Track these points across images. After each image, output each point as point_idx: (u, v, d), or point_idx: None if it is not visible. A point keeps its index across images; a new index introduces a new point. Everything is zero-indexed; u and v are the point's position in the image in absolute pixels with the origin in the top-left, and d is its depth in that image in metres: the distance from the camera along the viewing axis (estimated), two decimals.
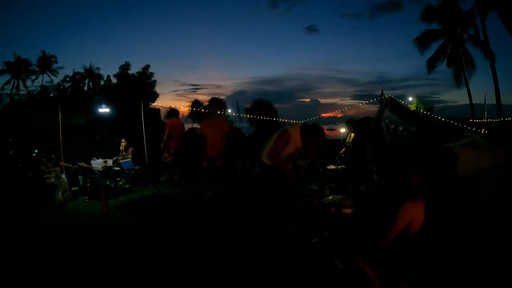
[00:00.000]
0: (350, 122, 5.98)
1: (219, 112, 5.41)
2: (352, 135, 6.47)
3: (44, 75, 42.36)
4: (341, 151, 6.74)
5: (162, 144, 6.72)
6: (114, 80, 24.22)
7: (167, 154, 6.75)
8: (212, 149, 5.05)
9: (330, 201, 3.71)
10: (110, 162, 6.32)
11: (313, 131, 3.41)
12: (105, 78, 32.81)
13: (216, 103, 5.44)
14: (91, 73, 37.35)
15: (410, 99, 26.70)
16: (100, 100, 7.22)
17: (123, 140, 6.80)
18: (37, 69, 41.88)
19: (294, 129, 3.41)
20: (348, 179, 5.28)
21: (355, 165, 5.61)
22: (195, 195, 5.72)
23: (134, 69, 23.04)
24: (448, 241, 3.56)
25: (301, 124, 3.53)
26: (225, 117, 5.69)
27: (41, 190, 5.39)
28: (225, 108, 24.47)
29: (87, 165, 6.23)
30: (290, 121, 12.43)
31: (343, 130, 9.00)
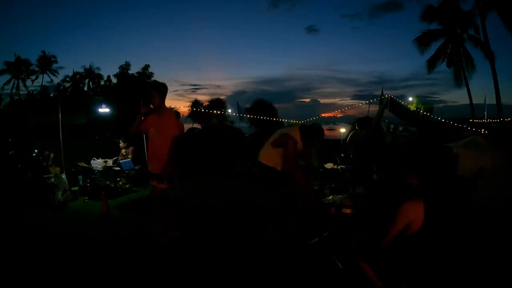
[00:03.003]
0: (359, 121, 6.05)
1: (168, 106, 3.59)
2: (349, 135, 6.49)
3: (44, 75, 42.37)
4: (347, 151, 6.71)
5: None
6: (114, 80, 24.24)
7: None
8: (154, 163, 3.39)
9: (330, 201, 3.72)
10: (110, 162, 6.32)
11: (314, 131, 3.43)
12: (105, 78, 32.82)
13: (162, 90, 3.39)
14: (91, 73, 37.35)
15: (410, 99, 26.70)
16: (100, 100, 7.23)
17: (121, 142, 6.78)
18: (37, 69, 41.89)
19: (294, 131, 3.41)
20: (354, 180, 5.26)
21: (362, 165, 5.61)
22: (195, 195, 5.72)
23: (134, 69, 23.08)
24: (448, 241, 3.56)
25: (300, 125, 3.53)
26: (176, 113, 3.45)
27: (41, 190, 5.39)
28: (225, 107, 24.44)
29: (87, 165, 6.23)
30: (290, 121, 12.44)
31: (343, 130, 9.00)
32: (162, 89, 3.39)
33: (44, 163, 5.63)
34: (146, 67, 23.04)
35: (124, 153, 6.67)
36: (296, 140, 3.33)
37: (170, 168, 3.16)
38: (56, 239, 3.83)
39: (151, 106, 3.37)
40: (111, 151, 6.80)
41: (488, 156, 5.46)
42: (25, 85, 41.39)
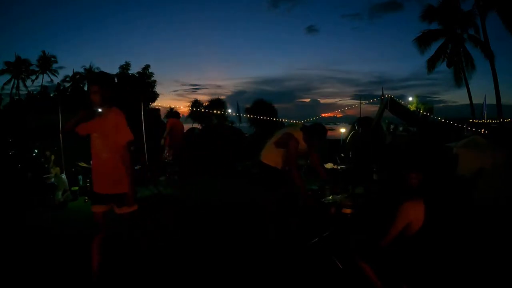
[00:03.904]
0: (359, 121, 6.08)
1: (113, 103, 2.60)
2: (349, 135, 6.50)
3: (44, 75, 42.31)
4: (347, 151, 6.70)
5: (162, 141, 6.78)
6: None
7: (167, 154, 6.78)
8: (101, 180, 2.64)
9: (330, 201, 3.71)
10: None
11: (315, 131, 3.43)
12: None
13: (106, 84, 2.57)
14: (91, 73, 37.29)
15: (410, 99, 26.68)
16: None
17: None
18: (37, 69, 41.84)
19: (297, 132, 3.40)
20: (354, 180, 5.25)
21: (362, 165, 5.62)
22: (195, 195, 5.73)
23: (134, 69, 23.10)
24: (448, 241, 3.56)
25: (302, 126, 3.52)
26: (121, 112, 2.56)
27: (41, 190, 5.39)
28: (225, 107, 24.37)
29: (87, 165, 6.22)
30: (290, 121, 12.44)
31: (343, 130, 9.00)
32: (106, 82, 2.55)
33: (46, 165, 5.63)
34: (146, 67, 23.08)
35: None
36: (298, 140, 3.33)
37: (131, 186, 2.56)
38: (56, 239, 3.83)
39: (95, 107, 2.56)
40: None
41: (488, 156, 5.47)
42: (25, 85, 41.38)
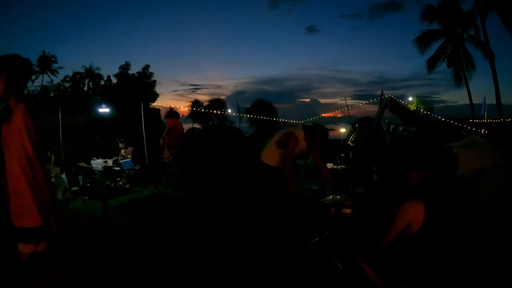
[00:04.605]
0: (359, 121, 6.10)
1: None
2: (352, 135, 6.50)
3: (44, 75, 42.33)
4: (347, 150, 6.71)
5: (161, 141, 6.79)
6: (114, 80, 24.27)
7: (167, 154, 6.78)
8: (14, 207, 2.00)
9: (330, 201, 3.71)
10: (110, 162, 6.33)
11: (318, 132, 3.44)
12: (105, 78, 32.84)
13: (13, 66, 1.73)
14: (91, 73, 37.30)
15: (410, 99, 26.68)
16: (100, 100, 7.24)
17: (120, 143, 6.78)
18: (37, 69, 41.81)
19: (298, 131, 3.40)
20: (354, 180, 5.25)
21: (362, 165, 5.62)
22: (195, 195, 5.73)
23: (134, 69, 23.10)
24: (448, 241, 3.56)
25: (303, 126, 3.53)
26: (27, 110, 1.77)
27: None
28: (225, 107, 24.37)
29: (87, 165, 6.23)
30: (290, 121, 12.45)
31: (343, 130, 9.01)
32: (16, 66, 1.78)
33: (48, 165, 5.63)
34: (146, 67, 23.08)
35: (124, 153, 6.68)
36: (298, 140, 3.33)
37: (43, 213, 1.89)
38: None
39: None
40: (111, 151, 6.81)
41: (488, 156, 5.46)
42: None
